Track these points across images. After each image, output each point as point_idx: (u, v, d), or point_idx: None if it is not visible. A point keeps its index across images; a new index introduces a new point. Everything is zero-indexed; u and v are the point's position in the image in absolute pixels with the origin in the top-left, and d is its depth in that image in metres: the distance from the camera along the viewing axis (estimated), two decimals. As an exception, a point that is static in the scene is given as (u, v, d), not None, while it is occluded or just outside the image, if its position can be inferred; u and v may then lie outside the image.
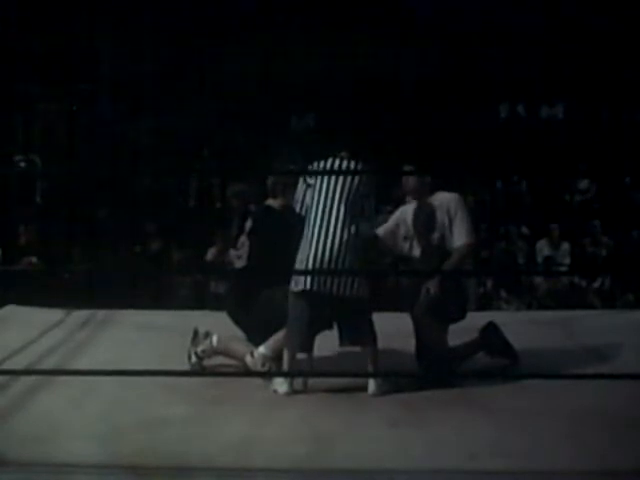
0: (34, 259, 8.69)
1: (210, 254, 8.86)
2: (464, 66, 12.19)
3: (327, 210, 4.09)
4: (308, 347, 4.18)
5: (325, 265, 4.00)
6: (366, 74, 11.80)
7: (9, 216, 9.48)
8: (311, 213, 4.13)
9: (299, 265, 4.07)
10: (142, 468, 3.13)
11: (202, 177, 11.07)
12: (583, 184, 11.07)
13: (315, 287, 4.01)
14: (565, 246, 9.58)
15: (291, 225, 4.25)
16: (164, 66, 12.18)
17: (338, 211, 4.08)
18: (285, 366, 4.15)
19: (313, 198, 4.15)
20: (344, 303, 4.04)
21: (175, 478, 3.15)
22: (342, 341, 4.18)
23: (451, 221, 4.29)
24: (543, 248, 9.57)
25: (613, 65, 11.80)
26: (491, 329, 4.48)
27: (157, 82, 12.03)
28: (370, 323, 4.15)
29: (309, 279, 4.01)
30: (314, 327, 4.15)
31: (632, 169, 11.47)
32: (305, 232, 4.12)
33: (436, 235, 4.32)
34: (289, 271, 4.16)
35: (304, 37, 11.73)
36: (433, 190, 4.40)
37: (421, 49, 11.93)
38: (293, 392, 4.08)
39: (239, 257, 4.59)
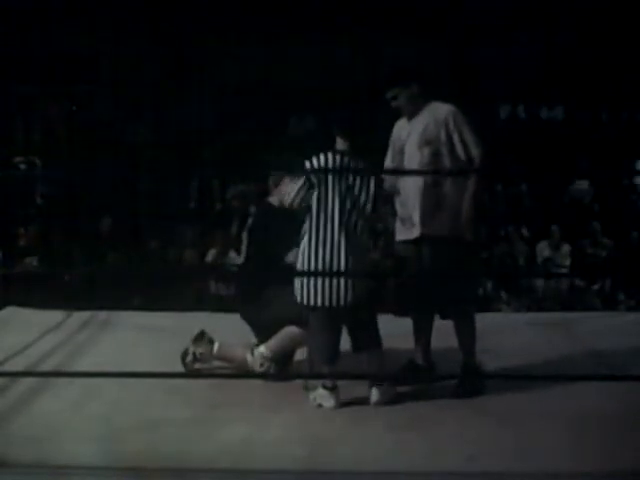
0: (34, 261, 8.69)
1: (210, 255, 8.87)
2: (462, 65, 12.22)
3: (329, 211, 3.88)
4: (335, 357, 3.96)
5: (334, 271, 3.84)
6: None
7: (9, 218, 9.49)
8: (314, 214, 3.91)
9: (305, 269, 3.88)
10: (143, 470, 3.13)
11: (202, 178, 11.07)
12: (584, 185, 11.07)
13: (330, 301, 3.86)
14: (566, 248, 9.57)
15: (289, 220, 4.25)
16: (164, 66, 12.21)
17: (341, 210, 3.88)
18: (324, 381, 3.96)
19: (316, 199, 3.90)
20: (357, 309, 3.92)
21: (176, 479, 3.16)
22: (355, 347, 4.04)
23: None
24: (543, 250, 9.56)
25: (613, 65, 11.83)
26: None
27: (157, 82, 12.05)
28: (377, 326, 4.07)
29: (322, 293, 3.85)
30: (337, 335, 4.00)
31: (632, 170, 11.48)
32: (310, 235, 3.92)
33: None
34: (286, 267, 4.13)
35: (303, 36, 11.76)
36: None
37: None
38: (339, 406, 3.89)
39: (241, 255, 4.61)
